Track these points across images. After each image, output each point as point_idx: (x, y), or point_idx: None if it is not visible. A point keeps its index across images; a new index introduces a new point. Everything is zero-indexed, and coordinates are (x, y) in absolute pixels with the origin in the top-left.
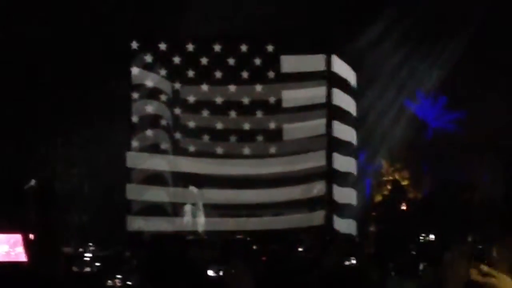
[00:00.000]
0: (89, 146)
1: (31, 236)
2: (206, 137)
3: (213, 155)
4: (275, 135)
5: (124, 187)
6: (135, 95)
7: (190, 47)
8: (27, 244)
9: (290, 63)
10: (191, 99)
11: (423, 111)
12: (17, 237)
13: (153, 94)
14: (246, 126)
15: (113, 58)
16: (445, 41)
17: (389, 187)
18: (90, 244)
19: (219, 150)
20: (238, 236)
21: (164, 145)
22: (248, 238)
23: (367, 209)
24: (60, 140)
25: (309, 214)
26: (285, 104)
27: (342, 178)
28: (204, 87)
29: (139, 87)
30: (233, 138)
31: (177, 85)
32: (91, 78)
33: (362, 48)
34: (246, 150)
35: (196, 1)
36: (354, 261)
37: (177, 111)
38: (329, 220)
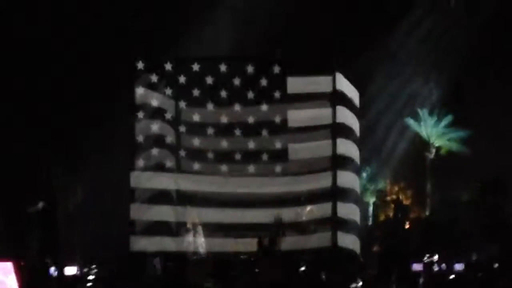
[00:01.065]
0: (91, 167)
1: (22, 263)
2: (210, 156)
3: (217, 174)
4: (281, 155)
5: (126, 208)
6: (140, 115)
7: (195, 66)
8: (19, 271)
9: (296, 84)
10: (196, 118)
11: (426, 129)
12: (8, 265)
13: (158, 113)
14: (251, 145)
15: (118, 78)
16: (448, 60)
17: (392, 206)
18: (93, 266)
19: (224, 168)
20: (242, 257)
21: (169, 164)
22: (252, 259)
23: (371, 229)
24: (60, 163)
25: (315, 236)
26: (290, 124)
27: (346, 195)
28: (209, 107)
29: (144, 106)
30: (237, 157)
31: (182, 104)
32: (94, 98)
33: (366, 68)
34: (251, 169)
35: (202, 22)
36: (360, 284)
37: (182, 129)
38: (334, 242)
